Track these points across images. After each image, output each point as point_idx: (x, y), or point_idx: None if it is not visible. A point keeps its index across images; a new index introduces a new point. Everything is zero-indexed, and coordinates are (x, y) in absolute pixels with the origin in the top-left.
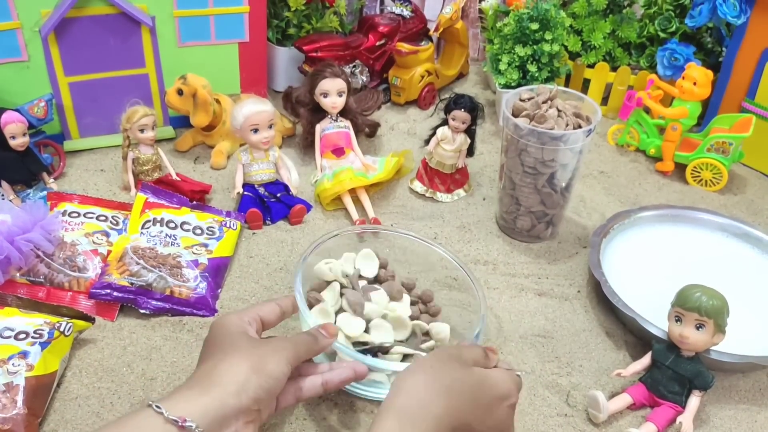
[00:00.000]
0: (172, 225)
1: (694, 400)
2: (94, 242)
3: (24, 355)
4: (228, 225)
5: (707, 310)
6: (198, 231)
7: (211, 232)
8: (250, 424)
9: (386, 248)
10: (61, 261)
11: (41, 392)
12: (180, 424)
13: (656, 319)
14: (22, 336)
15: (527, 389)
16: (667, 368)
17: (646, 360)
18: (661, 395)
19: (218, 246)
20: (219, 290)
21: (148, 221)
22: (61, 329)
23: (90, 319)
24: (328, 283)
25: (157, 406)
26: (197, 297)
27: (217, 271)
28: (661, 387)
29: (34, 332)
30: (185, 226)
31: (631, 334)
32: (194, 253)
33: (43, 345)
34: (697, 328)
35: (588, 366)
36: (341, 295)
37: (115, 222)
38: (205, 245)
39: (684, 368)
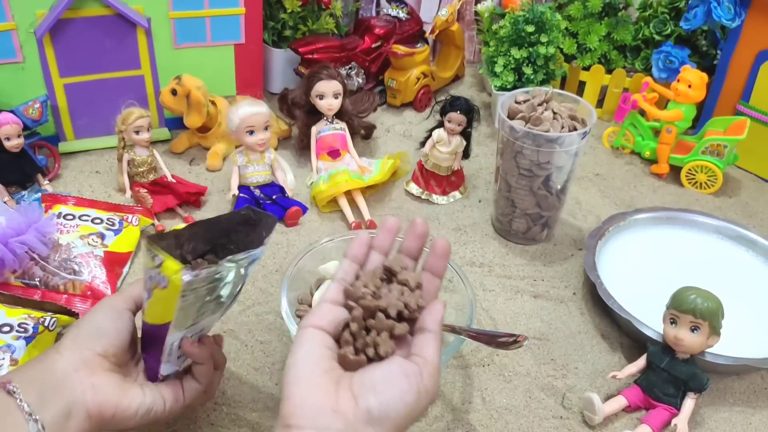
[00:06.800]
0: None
1: (689, 402)
2: (89, 244)
3: (8, 349)
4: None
5: (702, 313)
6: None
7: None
8: (103, 372)
9: None
10: (56, 264)
11: None
12: (6, 386)
13: (651, 321)
14: (7, 329)
15: (523, 391)
16: (662, 370)
17: (641, 362)
18: (656, 397)
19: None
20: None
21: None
22: (46, 324)
23: (73, 314)
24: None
25: None
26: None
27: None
28: (656, 389)
29: (19, 326)
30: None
31: (627, 336)
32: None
33: (28, 340)
34: (692, 331)
35: (583, 368)
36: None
37: (110, 224)
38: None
39: (679, 370)
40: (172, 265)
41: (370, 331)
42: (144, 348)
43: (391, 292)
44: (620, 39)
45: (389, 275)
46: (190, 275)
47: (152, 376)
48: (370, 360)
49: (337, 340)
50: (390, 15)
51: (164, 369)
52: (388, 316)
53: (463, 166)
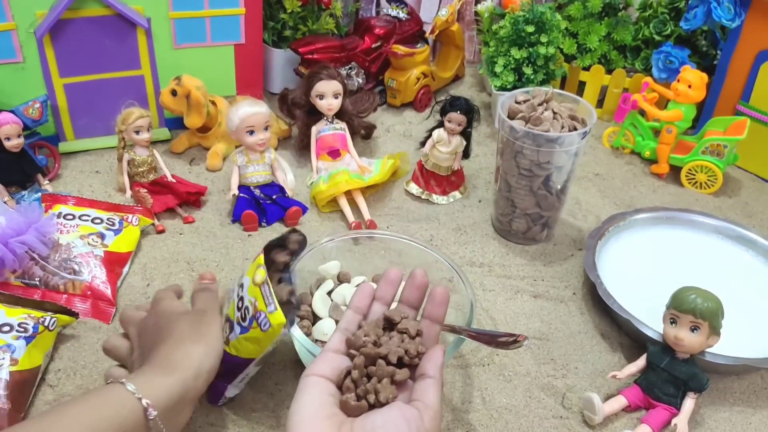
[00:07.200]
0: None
1: (689, 402)
2: (89, 244)
3: (8, 348)
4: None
5: (702, 312)
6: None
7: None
8: (194, 402)
9: (381, 251)
10: (56, 263)
11: (25, 387)
12: (145, 405)
13: (651, 321)
14: (7, 329)
15: (523, 391)
16: (662, 370)
17: (641, 362)
18: (656, 397)
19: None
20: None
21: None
22: (46, 324)
23: (73, 314)
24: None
25: (130, 387)
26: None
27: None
28: (656, 389)
29: (19, 326)
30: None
31: (627, 336)
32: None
33: (28, 339)
34: (692, 330)
35: (583, 368)
36: (329, 294)
37: (110, 224)
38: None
39: (679, 370)
40: (280, 317)
41: (372, 378)
42: (218, 375)
43: (391, 340)
44: (620, 39)
45: (390, 324)
46: (287, 329)
47: (216, 399)
48: (371, 406)
49: (340, 387)
50: (390, 15)
51: (230, 392)
52: (388, 363)
53: (463, 166)
